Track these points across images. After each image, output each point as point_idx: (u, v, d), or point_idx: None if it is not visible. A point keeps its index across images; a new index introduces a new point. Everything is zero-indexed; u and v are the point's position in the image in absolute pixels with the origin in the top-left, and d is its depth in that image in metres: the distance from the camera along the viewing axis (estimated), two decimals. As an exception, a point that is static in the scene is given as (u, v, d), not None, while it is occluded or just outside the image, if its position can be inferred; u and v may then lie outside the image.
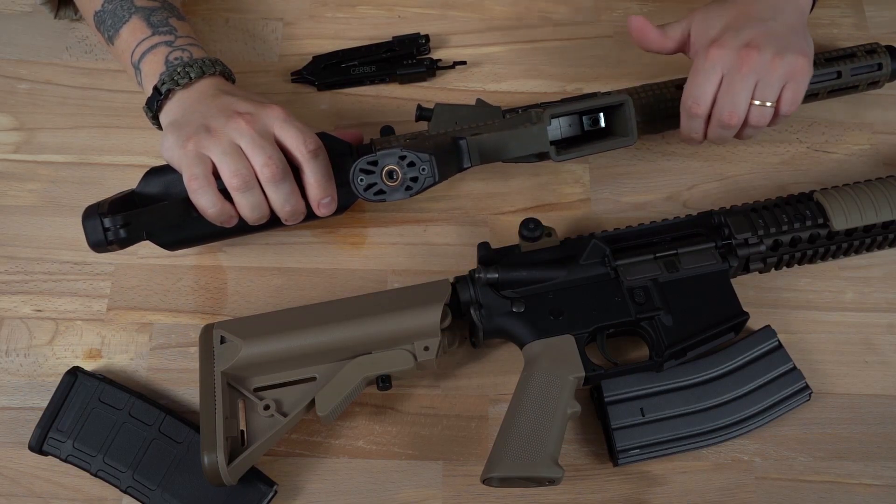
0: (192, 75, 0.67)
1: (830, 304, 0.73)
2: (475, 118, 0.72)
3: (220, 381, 0.64)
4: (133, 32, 0.70)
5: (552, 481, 0.60)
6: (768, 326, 0.70)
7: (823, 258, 0.71)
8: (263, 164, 0.62)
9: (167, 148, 0.64)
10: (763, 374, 0.68)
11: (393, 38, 0.82)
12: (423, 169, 0.63)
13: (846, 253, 0.71)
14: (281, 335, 0.65)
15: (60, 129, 0.80)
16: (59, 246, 0.75)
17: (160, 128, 0.70)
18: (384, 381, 0.65)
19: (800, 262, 0.71)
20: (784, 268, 0.71)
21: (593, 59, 0.84)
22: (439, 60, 0.82)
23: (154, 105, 0.68)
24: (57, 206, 0.76)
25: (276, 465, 0.67)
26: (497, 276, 0.65)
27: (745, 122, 0.66)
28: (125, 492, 0.65)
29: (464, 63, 0.82)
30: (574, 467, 0.67)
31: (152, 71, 0.69)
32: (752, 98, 0.65)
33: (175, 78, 0.67)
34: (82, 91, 0.82)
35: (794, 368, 0.68)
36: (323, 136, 0.69)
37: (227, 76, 0.71)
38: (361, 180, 0.63)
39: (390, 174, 0.63)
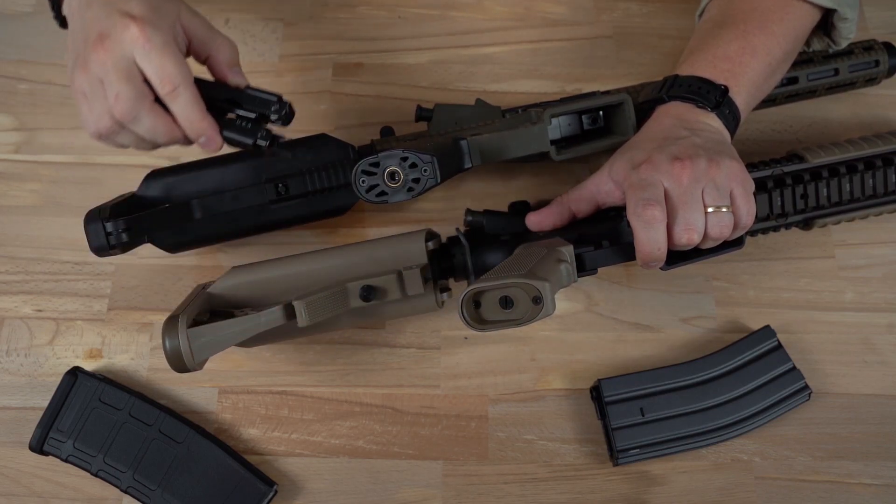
0: None
1: (830, 304, 0.73)
2: (475, 118, 0.72)
3: (201, 295, 0.62)
4: None
5: (537, 298, 0.51)
6: (768, 326, 0.70)
7: (822, 206, 0.70)
8: (111, 103, 0.58)
9: (67, 57, 0.61)
10: (763, 373, 0.68)
11: (247, 88, 0.63)
12: (425, 170, 0.63)
13: (845, 201, 0.70)
14: (267, 265, 0.65)
15: (61, 129, 0.80)
16: (59, 246, 0.75)
17: (62, 25, 0.66)
18: (367, 291, 0.62)
19: (797, 208, 0.69)
20: (790, 220, 0.70)
21: (593, 59, 0.84)
22: (280, 138, 0.63)
23: (53, 5, 0.65)
24: (58, 207, 0.76)
25: (276, 465, 0.68)
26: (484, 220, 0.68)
27: (705, 236, 0.59)
28: (125, 492, 0.65)
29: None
30: (574, 467, 0.68)
31: None
32: (705, 206, 0.58)
33: None
34: (82, 91, 0.81)
35: (794, 368, 0.68)
36: (323, 137, 0.69)
37: None
38: (363, 182, 0.63)
39: (392, 175, 0.63)
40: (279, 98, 0.62)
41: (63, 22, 0.65)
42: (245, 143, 0.61)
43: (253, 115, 0.62)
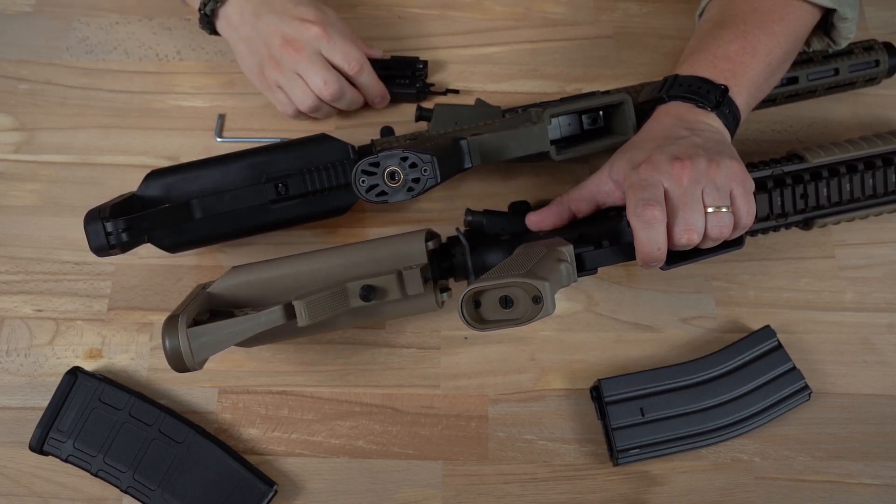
0: None
1: (830, 304, 0.73)
2: (475, 118, 0.72)
3: (201, 294, 0.63)
4: None
5: (537, 298, 0.52)
6: (768, 326, 0.70)
7: (822, 206, 0.70)
8: (320, 89, 0.73)
9: (245, 68, 0.77)
10: (763, 373, 0.68)
11: (392, 56, 0.81)
12: (425, 170, 0.63)
13: (845, 201, 0.70)
14: (267, 265, 0.65)
15: (61, 129, 0.80)
16: (59, 246, 0.75)
17: (212, 32, 0.77)
18: (367, 291, 0.62)
19: (797, 208, 0.69)
20: (790, 220, 0.70)
21: (593, 60, 0.84)
22: (432, 85, 0.81)
23: (205, 22, 0.76)
24: (57, 207, 0.76)
25: (276, 465, 0.68)
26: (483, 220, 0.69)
27: (705, 236, 0.59)
28: (125, 492, 0.65)
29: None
30: (574, 467, 0.68)
31: None
32: (705, 207, 0.58)
33: None
34: (82, 91, 0.82)
35: (794, 368, 0.68)
36: (323, 137, 0.70)
37: None
38: (363, 181, 0.63)
39: (392, 175, 0.63)
40: (418, 58, 0.81)
41: (212, 29, 0.76)
42: (409, 93, 0.80)
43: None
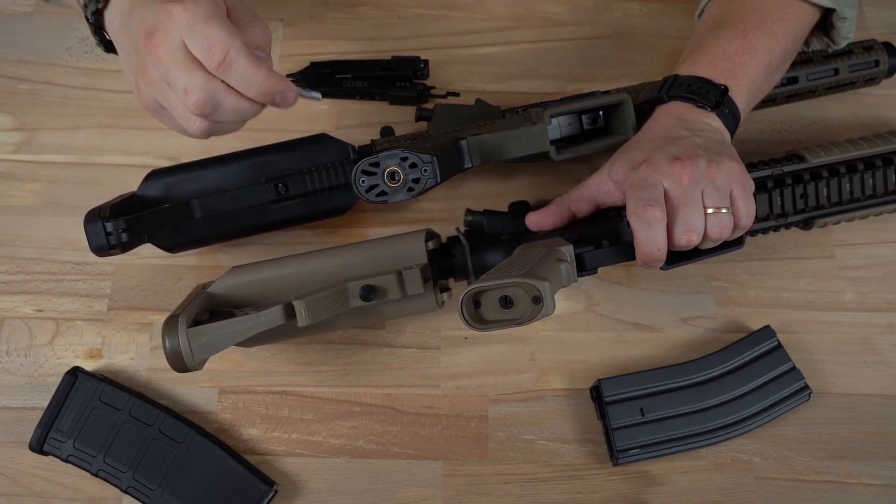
0: None
1: (830, 304, 0.73)
2: (475, 118, 0.72)
3: (201, 294, 0.63)
4: None
5: (537, 298, 0.52)
6: (768, 326, 0.70)
7: (822, 206, 0.70)
8: (183, 102, 0.54)
9: (134, 91, 0.57)
10: (763, 373, 0.68)
11: (392, 57, 0.81)
12: (425, 170, 0.63)
13: (845, 201, 0.70)
14: (267, 265, 0.65)
15: (61, 129, 0.80)
16: (59, 246, 0.75)
17: (108, 49, 0.62)
18: (367, 291, 0.62)
19: (797, 208, 0.69)
20: (790, 219, 0.70)
21: (593, 60, 0.84)
22: (433, 88, 0.81)
23: (95, 31, 0.60)
24: (57, 207, 0.76)
25: (276, 465, 0.68)
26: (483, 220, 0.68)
27: (704, 236, 0.59)
28: (125, 492, 0.65)
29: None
30: (574, 467, 0.68)
31: None
32: (705, 207, 0.58)
33: None
34: (83, 91, 0.82)
35: (794, 368, 0.68)
36: (323, 137, 0.70)
37: None
38: (363, 182, 0.63)
39: (392, 175, 0.63)
40: (419, 57, 0.81)
41: (108, 46, 0.61)
42: (409, 96, 0.79)
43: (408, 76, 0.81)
